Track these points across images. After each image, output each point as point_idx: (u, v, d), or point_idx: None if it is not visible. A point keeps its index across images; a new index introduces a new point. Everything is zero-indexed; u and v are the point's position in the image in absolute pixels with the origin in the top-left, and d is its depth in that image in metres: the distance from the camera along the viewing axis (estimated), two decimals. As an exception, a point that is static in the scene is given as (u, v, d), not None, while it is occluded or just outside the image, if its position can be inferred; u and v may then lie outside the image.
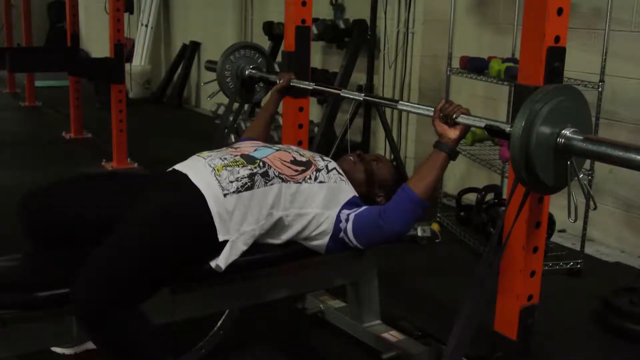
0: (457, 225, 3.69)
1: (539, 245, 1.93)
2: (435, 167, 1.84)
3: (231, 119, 2.99)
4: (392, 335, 2.37)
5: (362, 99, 2.24)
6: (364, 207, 1.94)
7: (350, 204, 1.96)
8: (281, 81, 2.51)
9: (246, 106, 6.06)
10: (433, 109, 1.86)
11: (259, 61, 2.86)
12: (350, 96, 2.32)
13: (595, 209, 1.71)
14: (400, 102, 2.07)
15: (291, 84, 2.51)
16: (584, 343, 2.57)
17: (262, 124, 2.49)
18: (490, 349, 2.01)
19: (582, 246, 3.23)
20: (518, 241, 1.90)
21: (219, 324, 2.36)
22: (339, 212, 1.94)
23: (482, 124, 1.74)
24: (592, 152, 1.50)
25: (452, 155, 1.85)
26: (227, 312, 2.37)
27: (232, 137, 5.48)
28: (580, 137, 1.52)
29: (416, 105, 2.00)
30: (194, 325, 2.13)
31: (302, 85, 2.52)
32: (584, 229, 3.22)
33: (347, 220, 1.92)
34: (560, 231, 3.64)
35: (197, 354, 2.27)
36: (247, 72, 2.81)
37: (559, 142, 1.53)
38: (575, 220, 1.59)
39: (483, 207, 3.53)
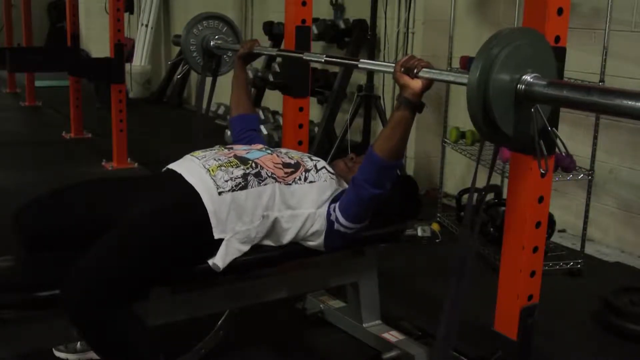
0: (457, 225, 3.69)
1: (539, 245, 1.93)
2: (400, 125, 1.81)
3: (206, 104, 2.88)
4: (392, 335, 2.37)
5: (323, 60, 2.15)
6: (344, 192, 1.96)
7: (337, 198, 1.99)
8: (244, 48, 2.48)
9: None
10: (393, 65, 1.80)
11: (224, 30, 2.78)
12: (313, 59, 2.24)
13: (567, 154, 1.59)
14: (360, 60, 2.00)
15: (255, 50, 2.48)
16: (584, 343, 2.57)
17: (241, 95, 2.47)
18: (490, 349, 2.01)
19: (582, 246, 3.23)
20: (518, 241, 1.90)
21: (219, 324, 2.36)
22: (328, 207, 1.97)
23: (445, 77, 1.68)
24: (555, 97, 1.39)
25: (418, 107, 1.79)
26: (227, 312, 2.37)
27: (228, 132, 5.48)
28: (543, 82, 1.40)
29: (377, 62, 1.95)
30: (194, 325, 2.13)
31: (265, 52, 2.51)
32: (584, 229, 3.22)
33: (334, 210, 1.95)
34: (560, 231, 3.64)
35: (197, 354, 2.27)
36: (212, 43, 2.72)
37: (519, 88, 1.42)
38: (546, 170, 1.51)
39: (483, 207, 3.52)
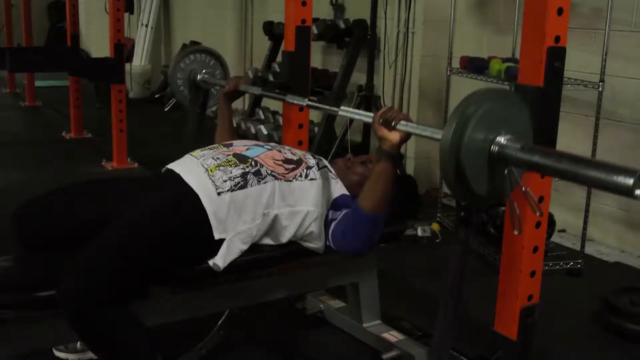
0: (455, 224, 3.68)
1: (539, 245, 1.93)
2: (381, 179, 1.79)
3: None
4: (392, 335, 2.37)
5: (305, 104, 2.15)
6: (342, 215, 1.92)
7: (337, 205, 1.97)
8: (229, 85, 2.49)
9: (246, 106, 6.07)
10: (372, 115, 1.79)
11: (211, 64, 2.78)
12: (295, 102, 2.22)
13: (540, 215, 1.60)
14: (341, 107, 1.99)
15: (239, 88, 2.48)
16: (584, 343, 2.57)
17: (224, 132, 2.46)
18: (490, 349, 2.01)
19: (582, 246, 3.23)
20: (518, 241, 1.91)
21: (219, 324, 2.36)
22: (327, 214, 1.96)
23: (420, 132, 1.65)
24: (527, 162, 1.37)
25: (395, 160, 1.77)
26: (227, 312, 2.37)
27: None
28: (516, 146, 1.39)
29: (356, 111, 1.94)
30: (194, 325, 2.13)
31: (249, 91, 2.48)
32: (584, 229, 3.22)
33: (328, 228, 1.94)
34: (560, 231, 3.64)
35: (197, 354, 2.27)
36: (199, 77, 2.72)
37: (492, 150, 1.40)
38: (519, 233, 1.51)
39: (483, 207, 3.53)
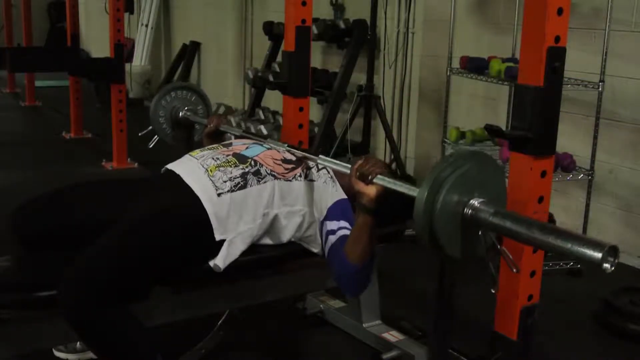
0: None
1: (539, 245, 1.92)
2: (364, 230, 1.77)
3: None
4: (392, 335, 2.37)
5: (285, 148, 2.06)
6: (335, 239, 1.90)
7: (333, 215, 1.94)
8: (210, 125, 2.42)
9: (246, 106, 6.07)
10: (350, 167, 1.77)
11: (192, 100, 2.74)
12: (274, 145, 2.09)
13: (517, 272, 1.62)
14: (320, 156, 1.95)
15: (220, 129, 2.42)
16: (584, 343, 2.57)
17: None
18: (490, 349, 2.01)
19: (582, 246, 3.22)
20: (518, 241, 1.90)
21: (219, 324, 2.36)
22: (324, 221, 1.94)
23: (397, 188, 1.64)
24: (498, 227, 1.39)
25: (372, 213, 1.75)
26: (227, 312, 2.37)
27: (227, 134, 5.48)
28: (489, 210, 1.40)
29: (334, 161, 1.91)
30: (194, 325, 2.13)
31: (230, 131, 2.43)
32: (584, 229, 3.22)
33: (326, 242, 1.92)
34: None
35: (197, 354, 2.27)
36: (181, 114, 2.69)
37: (466, 212, 1.42)
38: (517, 271, 1.52)
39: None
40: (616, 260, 1.26)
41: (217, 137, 2.42)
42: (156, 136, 2.74)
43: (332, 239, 1.89)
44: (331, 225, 1.92)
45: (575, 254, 1.27)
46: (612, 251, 1.24)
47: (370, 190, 1.71)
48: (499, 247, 1.46)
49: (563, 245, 1.29)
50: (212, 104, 2.92)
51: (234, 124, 5.34)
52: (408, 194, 1.57)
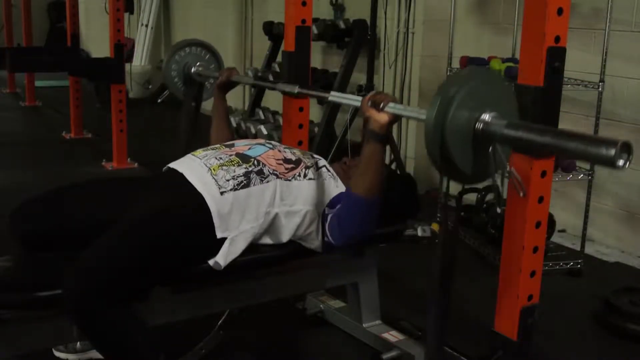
0: (457, 226, 3.69)
1: (539, 245, 1.93)
2: (371, 160, 1.82)
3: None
4: (392, 335, 2.37)
5: (296, 92, 2.15)
6: (337, 207, 1.94)
7: (335, 202, 1.97)
8: (222, 77, 2.50)
9: (246, 106, 6.07)
10: (361, 99, 1.84)
11: (206, 58, 2.78)
12: (286, 89, 2.23)
13: (524, 195, 1.61)
14: (331, 93, 2.01)
15: (232, 79, 2.49)
16: (584, 343, 2.57)
17: (220, 125, 2.47)
18: (490, 349, 2.01)
19: (582, 246, 3.23)
20: (518, 241, 1.91)
21: (219, 324, 2.36)
22: (324, 211, 1.97)
23: (408, 113, 1.71)
24: (511, 137, 1.40)
25: (384, 141, 1.81)
26: (227, 312, 2.37)
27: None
28: (501, 123, 1.41)
29: (345, 95, 1.98)
30: (194, 325, 2.13)
31: (243, 81, 2.53)
32: (584, 229, 3.22)
33: (326, 221, 1.95)
34: (560, 231, 3.64)
35: (197, 354, 2.27)
36: (193, 70, 2.72)
37: (477, 127, 1.43)
38: (501, 210, 1.52)
39: (483, 207, 3.52)
40: (630, 158, 1.25)
41: (229, 88, 2.53)
42: (166, 91, 2.78)
43: (332, 211, 1.93)
44: (331, 211, 1.95)
45: (588, 154, 1.27)
46: (625, 147, 1.24)
47: (382, 117, 1.77)
48: (508, 167, 1.46)
49: (576, 147, 1.29)
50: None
51: (234, 124, 5.34)
52: (418, 118, 1.58)
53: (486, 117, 1.42)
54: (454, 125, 1.39)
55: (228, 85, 2.53)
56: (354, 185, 1.85)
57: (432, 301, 1.63)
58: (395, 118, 1.79)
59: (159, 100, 2.73)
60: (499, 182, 1.47)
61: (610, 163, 1.24)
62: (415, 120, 1.65)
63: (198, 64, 2.74)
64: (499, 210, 1.50)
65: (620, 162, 1.24)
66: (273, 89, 2.35)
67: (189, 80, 2.75)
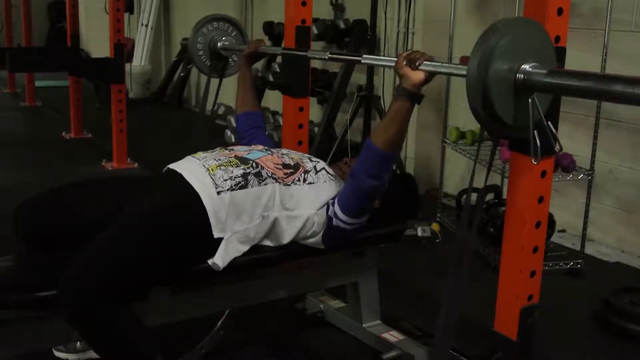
0: (457, 225, 3.69)
1: (539, 245, 1.93)
2: (398, 116, 1.81)
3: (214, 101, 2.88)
4: (392, 335, 2.37)
5: (327, 57, 2.16)
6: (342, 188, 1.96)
7: (335, 197, 1.99)
8: (250, 47, 2.50)
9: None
10: (396, 58, 1.83)
11: (233, 34, 2.79)
12: (317, 56, 2.25)
13: (560, 150, 1.63)
14: (363, 56, 2.00)
15: (260, 50, 2.49)
16: (584, 343, 2.57)
17: (246, 93, 2.47)
18: (490, 349, 2.01)
19: (582, 246, 3.23)
20: (518, 241, 1.90)
21: (219, 324, 2.36)
22: (327, 205, 1.98)
23: (445, 70, 1.72)
24: (554, 85, 1.40)
25: (416, 99, 1.80)
26: (227, 312, 2.37)
27: (228, 132, 5.48)
28: (542, 71, 1.42)
29: (380, 57, 1.96)
30: (194, 325, 2.13)
31: (270, 51, 2.58)
32: (584, 229, 3.22)
33: (333, 205, 1.96)
34: (560, 231, 3.64)
35: (197, 354, 2.27)
36: (219, 45, 2.73)
37: (518, 77, 1.44)
38: (537, 162, 1.52)
39: (483, 207, 3.53)
40: None
41: (256, 59, 2.56)
42: (190, 64, 2.79)
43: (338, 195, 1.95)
44: (333, 200, 1.97)
45: (631, 95, 1.26)
46: None
47: (417, 75, 1.77)
48: (545, 121, 1.47)
49: (619, 89, 1.28)
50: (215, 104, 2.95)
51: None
52: (458, 74, 1.59)
53: (527, 67, 1.43)
54: (495, 76, 1.40)
55: (256, 56, 2.52)
56: (374, 136, 1.84)
57: (444, 304, 1.63)
58: (431, 76, 1.77)
59: (181, 74, 2.75)
60: (537, 137, 1.47)
61: None
62: (455, 76, 1.64)
63: (224, 38, 2.75)
64: (534, 161, 1.50)
65: None
66: (304, 56, 2.34)
67: (215, 55, 2.75)
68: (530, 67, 1.43)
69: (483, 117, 1.44)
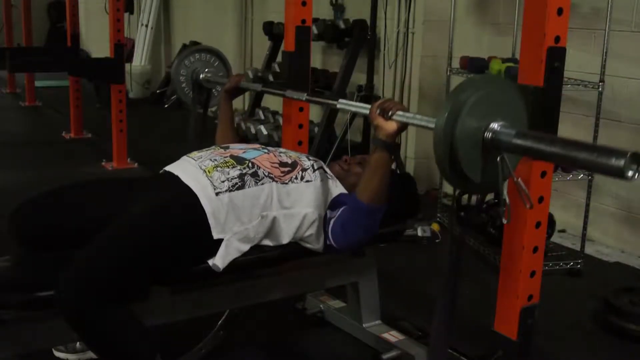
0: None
1: (539, 245, 1.93)
2: (378, 168, 1.81)
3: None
4: (392, 335, 2.37)
5: (304, 99, 2.15)
6: (340, 210, 1.93)
7: (336, 204, 1.98)
8: (230, 82, 2.51)
9: (246, 106, 6.07)
10: (369, 106, 1.83)
11: (215, 65, 2.79)
12: (294, 97, 2.23)
13: (530, 207, 1.59)
14: (339, 100, 2.00)
15: (240, 85, 2.50)
16: (584, 343, 2.57)
17: (225, 129, 2.47)
18: (490, 349, 2.01)
19: (582, 246, 3.23)
20: (518, 241, 1.91)
21: (219, 324, 2.36)
22: (326, 214, 1.97)
23: (416, 122, 1.69)
24: (520, 146, 1.39)
25: (391, 149, 1.81)
26: (227, 312, 2.37)
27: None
28: (510, 132, 1.40)
29: (354, 103, 1.96)
30: (194, 325, 2.13)
31: (251, 88, 2.55)
32: (584, 229, 3.22)
33: (327, 225, 1.95)
34: (560, 231, 3.64)
35: (197, 354, 2.27)
36: (202, 76, 2.74)
37: (486, 136, 1.42)
38: (508, 222, 1.50)
39: (483, 207, 3.53)
40: None
41: (236, 94, 2.55)
42: (175, 95, 2.78)
43: (335, 214, 1.93)
44: (333, 213, 1.95)
45: (598, 165, 1.26)
46: (634, 158, 1.23)
47: (390, 125, 1.77)
48: (515, 178, 1.45)
49: (585, 158, 1.28)
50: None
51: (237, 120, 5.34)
52: (427, 126, 1.58)
53: (495, 126, 1.41)
54: (463, 133, 1.39)
55: (236, 91, 2.53)
56: (360, 192, 1.85)
57: (439, 303, 1.63)
58: (404, 127, 1.78)
59: (166, 106, 2.71)
60: (506, 195, 1.45)
61: (620, 174, 1.23)
62: (424, 128, 1.62)
63: (207, 70, 2.76)
64: (505, 221, 1.47)
65: (630, 173, 1.23)
66: (282, 95, 2.35)
67: (198, 87, 2.76)
68: (498, 127, 1.41)
69: (448, 173, 1.42)
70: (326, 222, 1.96)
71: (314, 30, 4.81)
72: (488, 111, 1.42)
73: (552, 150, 1.35)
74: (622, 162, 1.22)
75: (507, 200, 1.46)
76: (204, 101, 2.79)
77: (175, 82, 2.75)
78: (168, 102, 2.84)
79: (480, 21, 4.21)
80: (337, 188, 2.02)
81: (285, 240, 1.95)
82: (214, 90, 2.79)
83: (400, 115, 1.76)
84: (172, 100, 2.80)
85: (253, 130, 5.22)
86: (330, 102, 2.06)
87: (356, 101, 4.27)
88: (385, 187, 1.83)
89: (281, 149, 2.13)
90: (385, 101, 1.80)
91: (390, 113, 1.76)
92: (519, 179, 1.45)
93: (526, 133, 1.40)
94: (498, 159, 1.43)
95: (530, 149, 1.38)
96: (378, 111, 1.79)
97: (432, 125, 1.47)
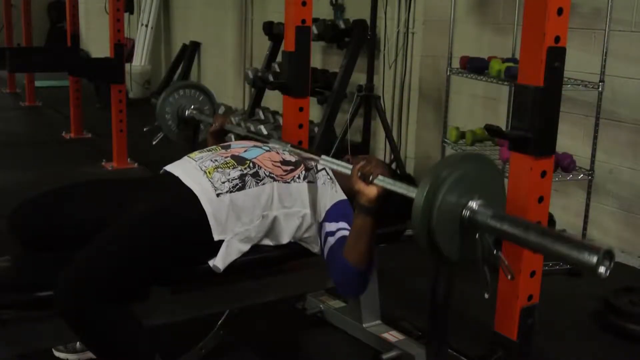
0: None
1: (539, 246, 1.92)
2: (362, 232, 1.77)
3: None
4: (392, 335, 2.37)
5: (288, 150, 2.07)
6: (334, 241, 1.89)
7: (332, 216, 1.94)
8: (215, 124, 2.49)
9: (246, 106, 6.07)
10: (351, 167, 1.78)
11: (200, 99, 2.80)
12: (276, 145, 2.11)
13: (512, 278, 1.53)
14: (322, 156, 1.95)
15: (225, 128, 2.49)
16: (584, 343, 2.57)
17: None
18: (490, 349, 2.01)
19: (582, 246, 3.22)
20: (518, 241, 1.90)
21: (219, 324, 2.36)
22: (323, 223, 1.94)
23: (397, 189, 1.64)
24: (496, 229, 1.39)
25: (373, 213, 1.75)
26: (227, 312, 2.37)
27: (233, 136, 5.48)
28: (488, 212, 1.40)
29: (336, 161, 1.92)
30: (194, 325, 2.13)
31: (234, 131, 2.54)
32: (584, 229, 3.22)
33: (324, 243, 1.91)
34: (560, 231, 3.63)
35: (197, 354, 2.27)
36: (187, 113, 2.74)
37: (464, 214, 1.42)
38: (488, 296, 1.46)
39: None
40: (612, 264, 1.26)
41: (221, 136, 2.51)
42: (161, 133, 2.77)
43: (331, 240, 1.88)
44: (330, 226, 1.92)
45: (571, 259, 1.27)
46: (607, 255, 1.24)
47: (371, 191, 1.72)
48: (495, 252, 1.44)
49: (559, 250, 1.29)
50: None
51: (234, 122, 5.34)
52: (407, 195, 1.57)
53: (473, 204, 1.41)
54: (441, 210, 1.38)
55: (221, 133, 2.52)
56: (347, 253, 1.81)
57: (433, 304, 1.63)
58: (385, 191, 1.72)
59: (154, 142, 2.71)
60: (487, 272, 1.45)
61: (591, 270, 1.24)
62: (406, 197, 1.59)
63: (192, 106, 2.76)
64: (486, 296, 1.48)
65: (602, 270, 1.24)
66: (265, 142, 2.31)
67: (183, 123, 2.76)
68: (476, 206, 1.41)
69: (425, 245, 1.41)
70: (322, 233, 1.93)
71: (314, 30, 4.81)
72: (468, 189, 1.42)
73: (527, 238, 1.35)
74: (594, 259, 1.23)
75: (506, 262, 1.45)
76: (192, 136, 2.78)
77: (161, 119, 2.75)
78: (155, 140, 2.84)
79: (480, 21, 4.20)
80: (336, 194, 1.99)
81: (285, 240, 1.95)
82: (201, 125, 2.79)
83: (380, 180, 1.70)
84: (159, 137, 2.80)
85: (253, 130, 5.22)
86: (313, 157, 2.00)
87: (356, 101, 4.30)
88: (370, 250, 1.79)
89: (290, 145, 2.10)
90: (365, 165, 1.74)
91: (370, 178, 1.71)
92: (501, 254, 1.44)
93: (503, 216, 1.40)
94: (477, 235, 1.43)
95: (505, 233, 1.38)
96: (359, 174, 1.73)
97: (412, 195, 1.46)
